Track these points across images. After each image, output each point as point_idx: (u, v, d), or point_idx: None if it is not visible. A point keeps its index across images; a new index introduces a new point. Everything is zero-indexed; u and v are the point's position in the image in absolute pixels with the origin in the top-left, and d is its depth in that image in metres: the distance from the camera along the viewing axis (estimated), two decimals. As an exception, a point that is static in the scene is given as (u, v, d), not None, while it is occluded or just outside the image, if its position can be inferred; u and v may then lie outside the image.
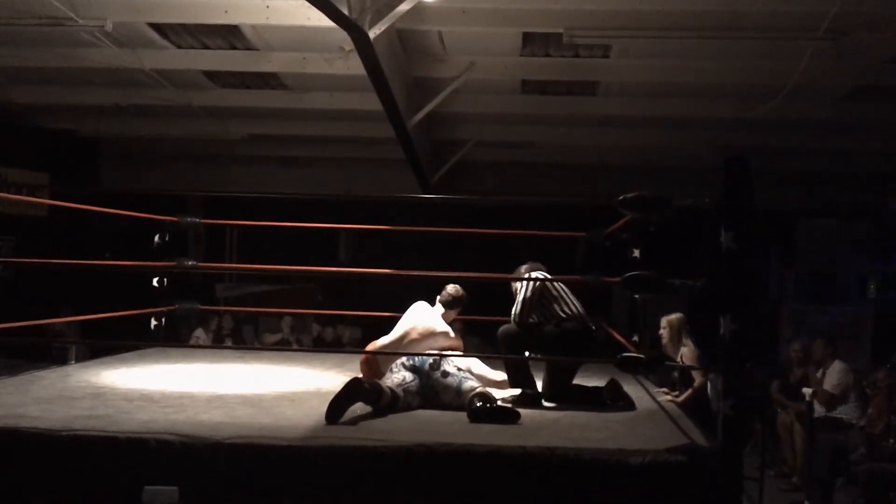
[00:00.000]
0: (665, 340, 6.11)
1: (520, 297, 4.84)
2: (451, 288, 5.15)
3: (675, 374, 5.93)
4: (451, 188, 11.15)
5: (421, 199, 9.56)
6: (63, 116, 10.41)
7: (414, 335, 4.93)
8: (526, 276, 4.92)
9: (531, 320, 4.82)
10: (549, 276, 4.96)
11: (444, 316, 5.05)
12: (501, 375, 4.95)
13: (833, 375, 7.46)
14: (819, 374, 7.67)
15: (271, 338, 10.55)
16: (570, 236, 6.60)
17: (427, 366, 4.52)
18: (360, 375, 4.67)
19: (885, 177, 11.01)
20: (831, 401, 7.33)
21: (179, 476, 3.39)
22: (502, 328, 4.93)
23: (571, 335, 4.73)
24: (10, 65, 8.34)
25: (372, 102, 7.78)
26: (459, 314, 5.31)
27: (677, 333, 6.07)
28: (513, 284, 4.97)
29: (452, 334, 5.06)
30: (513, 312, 4.87)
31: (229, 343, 9.80)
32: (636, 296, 6.13)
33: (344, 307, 8.94)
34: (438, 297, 5.17)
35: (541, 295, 4.83)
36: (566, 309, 4.80)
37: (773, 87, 8.04)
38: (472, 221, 6.78)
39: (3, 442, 3.51)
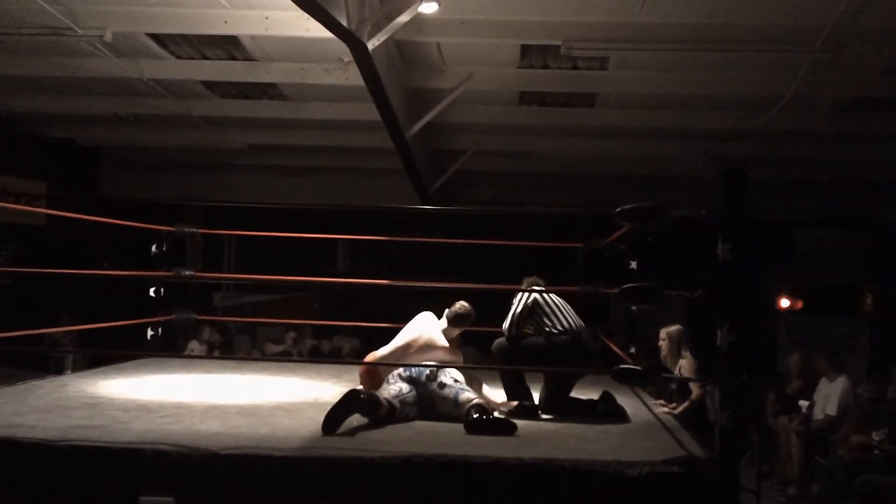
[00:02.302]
0: (664, 352, 6.11)
1: (511, 311, 4.85)
2: (458, 305, 4.99)
3: (673, 385, 5.92)
4: (449, 198, 11.17)
5: (419, 209, 9.57)
6: (62, 125, 10.43)
7: (414, 347, 4.89)
8: (523, 288, 4.91)
9: (524, 333, 4.82)
10: (544, 288, 4.94)
11: (446, 331, 4.97)
12: (502, 397, 4.90)
13: (836, 394, 7.44)
14: (824, 386, 7.65)
15: (274, 348, 10.53)
16: (567, 247, 6.60)
17: (424, 377, 4.51)
18: (358, 386, 4.66)
19: (882, 187, 11.04)
20: (834, 423, 7.33)
21: (176, 486, 3.38)
22: (496, 342, 4.93)
23: (562, 349, 4.73)
24: (10, 74, 8.35)
25: (371, 113, 7.79)
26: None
27: (676, 345, 6.06)
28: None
29: (451, 351, 4.97)
30: (504, 326, 4.88)
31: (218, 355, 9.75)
32: (634, 307, 6.13)
33: (341, 317, 8.94)
34: (446, 312, 5.07)
35: (531, 310, 4.83)
36: (558, 324, 4.79)
37: (771, 99, 8.07)
38: (470, 231, 6.78)
39: (0, 451, 3.50)
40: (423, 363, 4.65)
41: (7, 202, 9.24)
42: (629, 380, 4.52)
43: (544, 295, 4.88)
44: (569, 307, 4.94)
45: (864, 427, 6.82)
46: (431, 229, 9.22)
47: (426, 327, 4.97)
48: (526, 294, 4.87)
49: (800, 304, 11.19)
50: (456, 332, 4.99)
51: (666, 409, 5.33)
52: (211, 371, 6.14)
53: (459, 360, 4.98)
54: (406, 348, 4.88)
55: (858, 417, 6.97)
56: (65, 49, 7.55)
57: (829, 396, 7.52)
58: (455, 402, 4.39)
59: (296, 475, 3.43)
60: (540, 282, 5.08)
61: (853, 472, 6.50)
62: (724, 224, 3.66)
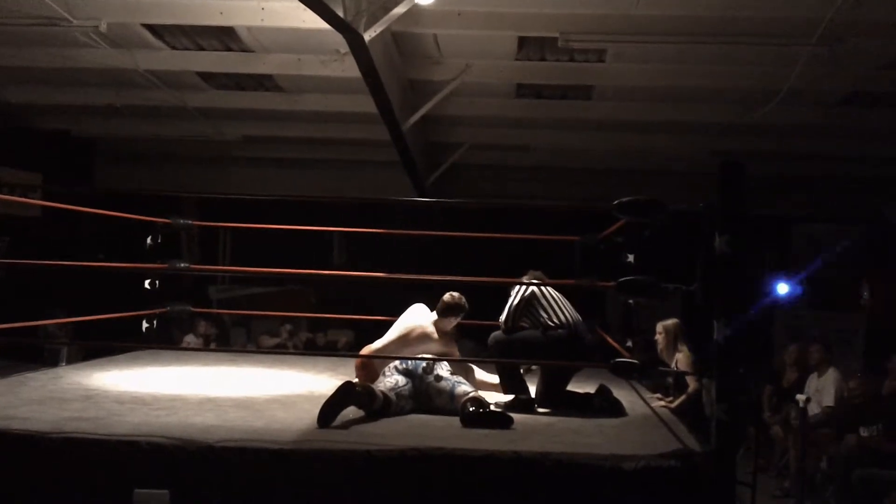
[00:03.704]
0: (661, 346, 6.09)
1: (508, 304, 4.85)
2: (448, 296, 5.00)
3: (670, 379, 5.92)
4: (445, 191, 11.15)
5: (415, 201, 9.55)
6: (57, 117, 10.38)
7: (409, 339, 4.88)
8: (520, 282, 4.91)
9: (520, 326, 4.82)
10: (541, 282, 4.94)
11: (437, 323, 4.95)
12: (496, 379, 4.92)
13: (829, 385, 7.45)
14: (814, 381, 7.67)
15: (269, 341, 10.50)
16: (564, 240, 6.59)
17: (420, 370, 4.51)
18: (353, 379, 4.65)
19: (879, 182, 11.03)
20: (831, 413, 7.33)
21: (171, 479, 3.37)
22: (492, 335, 4.92)
23: (558, 343, 4.72)
24: (4, 65, 8.31)
25: (367, 105, 7.77)
26: (459, 322, 5.19)
27: (673, 339, 6.05)
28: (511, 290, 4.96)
29: (446, 343, 4.95)
30: (501, 318, 4.87)
31: (213, 348, 9.72)
32: (630, 300, 6.12)
33: (338, 310, 8.92)
34: (438, 304, 5.05)
35: (528, 302, 4.82)
36: (555, 317, 4.78)
37: (768, 92, 8.06)
38: (466, 224, 6.77)
39: (-7, 444, 3.49)
40: (420, 356, 4.64)
41: (1, 193, 9.20)
42: (626, 373, 4.53)
43: (542, 288, 4.87)
44: (566, 301, 4.93)
45: (857, 422, 6.85)
46: (428, 222, 9.20)
47: (419, 319, 4.97)
48: (523, 287, 4.86)
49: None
50: (447, 323, 4.98)
51: (662, 403, 5.33)
52: (206, 364, 6.13)
53: (454, 351, 4.97)
54: (401, 341, 4.87)
55: (851, 413, 6.99)
56: (59, 40, 7.51)
57: (821, 390, 7.53)
58: (451, 395, 4.39)
59: (291, 468, 3.42)
60: (543, 277, 5.07)
61: (849, 466, 6.51)
62: (722, 218, 3.66)
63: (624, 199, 4.03)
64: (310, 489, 3.41)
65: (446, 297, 4.99)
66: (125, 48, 7.72)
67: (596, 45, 7.22)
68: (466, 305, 5.02)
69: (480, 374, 5.00)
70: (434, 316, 4.99)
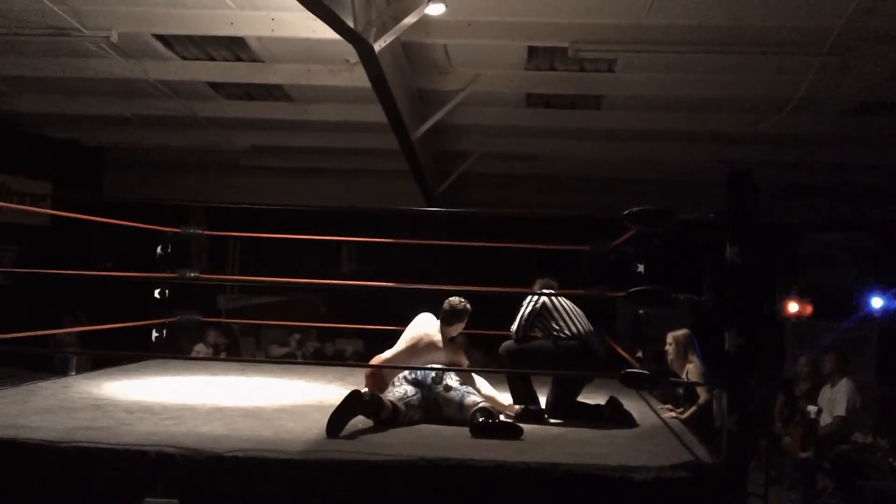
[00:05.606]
0: (671, 356, 6.06)
1: (519, 314, 4.83)
2: (448, 303, 4.93)
3: (680, 390, 5.88)
4: (454, 200, 11.14)
5: (425, 211, 9.54)
6: (67, 126, 10.43)
7: (417, 349, 4.85)
8: (532, 291, 4.89)
9: (532, 336, 4.80)
10: (553, 292, 4.92)
11: (443, 331, 4.90)
12: (508, 399, 4.83)
13: (842, 395, 7.39)
14: (827, 391, 7.60)
15: (278, 350, 10.50)
16: (574, 249, 6.57)
17: (429, 379, 4.49)
18: (362, 388, 4.63)
19: (890, 191, 10.98)
20: (843, 424, 7.27)
21: (180, 488, 3.37)
22: (504, 345, 4.90)
23: (568, 354, 4.70)
24: (15, 74, 8.35)
25: (376, 114, 7.78)
26: (464, 327, 5.16)
27: (683, 349, 6.02)
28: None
29: (454, 350, 4.90)
30: (512, 328, 4.86)
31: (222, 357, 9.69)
32: (641, 310, 6.10)
33: (347, 320, 8.92)
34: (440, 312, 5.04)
35: (539, 313, 4.80)
36: (566, 328, 4.76)
37: (779, 102, 8.04)
38: (475, 233, 6.76)
39: (4, 452, 3.49)
40: (429, 366, 4.62)
41: (12, 202, 9.24)
42: (636, 384, 4.50)
43: (553, 298, 4.85)
44: (579, 311, 4.91)
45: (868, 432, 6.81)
46: (437, 231, 9.19)
47: (426, 328, 4.94)
48: (535, 297, 4.84)
49: (809, 311, 11.00)
50: (453, 329, 4.93)
51: (673, 414, 5.30)
52: (215, 373, 6.13)
53: (462, 358, 4.93)
54: (409, 351, 4.85)
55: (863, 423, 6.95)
56: (70, 50, 7.55)
57: (833, 400, 7.47)
58: (460, 405, 4.37)
59: (300, 478, 3.41)
60: (552, 283, 5.06)
61: (862, 477, 6.47)
62: (732, 227, 3.64)
63: (634, 209, 4.02)
64: (318, 499, 3.40)
65: (447, 304, 4.93)
66: (136, 58, 7.75)
67: (606, 54, 7.22)
68: (469, 309, 4.96)
69: (488, 389, 4.89)
70: (438, 324, 4.95)
